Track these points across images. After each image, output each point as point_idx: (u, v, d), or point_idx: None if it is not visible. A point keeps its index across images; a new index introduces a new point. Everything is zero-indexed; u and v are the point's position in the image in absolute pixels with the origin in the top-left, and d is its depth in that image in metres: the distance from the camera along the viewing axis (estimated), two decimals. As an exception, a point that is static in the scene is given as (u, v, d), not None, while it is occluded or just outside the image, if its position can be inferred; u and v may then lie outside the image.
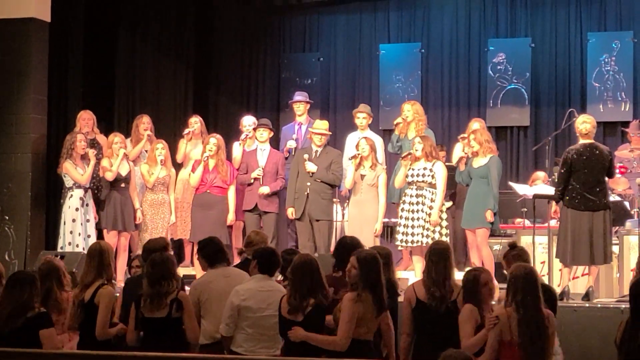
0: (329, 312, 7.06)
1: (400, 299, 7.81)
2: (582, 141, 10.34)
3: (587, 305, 9.84)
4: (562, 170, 10.30)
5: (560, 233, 10.33)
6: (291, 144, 12.78)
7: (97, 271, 7.73)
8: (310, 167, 11.80)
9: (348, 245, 7.81)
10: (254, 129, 12.50)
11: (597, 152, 10.26)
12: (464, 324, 6.81)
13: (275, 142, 13.03)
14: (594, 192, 10.15)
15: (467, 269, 7.80)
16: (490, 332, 6.51)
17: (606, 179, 10.43)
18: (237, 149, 12.66)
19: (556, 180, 10.67)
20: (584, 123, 10.44)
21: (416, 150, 11.25)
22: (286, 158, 12.62)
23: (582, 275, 10.54)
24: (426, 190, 11.16)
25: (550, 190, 10.57)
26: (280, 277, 7.98)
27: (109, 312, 7.59)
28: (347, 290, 7.01)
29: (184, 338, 7.20)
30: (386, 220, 12.36)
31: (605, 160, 10.29)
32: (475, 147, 11.22)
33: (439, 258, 7.20)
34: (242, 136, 12.64)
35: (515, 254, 7.62)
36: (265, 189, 12.08)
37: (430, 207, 11.11)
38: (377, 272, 6.96)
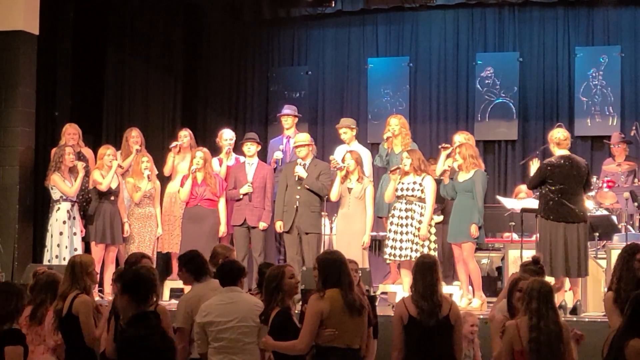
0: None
1: (387, 311, 7.79)
2: (558, 153, 10.40)
3: (574, 319, 9.85)
4: (535, 175, 10.48)
5: (540, 245, 10.40)
6: (278, 154, 12.79)
7: (72, 283, 7.72)
8: (301, 171, 11.78)
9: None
10: (242, 144, 12.48)
11: (574, 164, 10.35)
12: (494, 335, 6.94)
13: (263, 155, 13.01)
14: (570, 203, 10.23)
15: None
16: (501, 342, 6.57)
17: (585, 193, 10.55)
18: (216, 164, 12.61)
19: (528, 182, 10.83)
20: (559, 132, 10.54)
21: (404, 164, 11.25)
22: (274, 169, 12.63)
23: (569, 289, 10.55)
24: (415, 204, 11.15)
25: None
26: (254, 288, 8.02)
27: (90, 318, 7.58)
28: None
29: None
30: (374, 233, 12.35)
31: (583, 172, 10.38)
32: (459, 160, 11.23)
33: (425, 272, 7.16)
34: (225, 150, 12.63)
35: (532, 269, 7.58)
36: (263, 225, 12.10)
37: (420, 222, 11.10)
38: (336, 270, 6.91)
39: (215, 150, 12.96)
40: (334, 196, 11.75)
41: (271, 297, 7.01)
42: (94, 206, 12.16)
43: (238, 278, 7.33)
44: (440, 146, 12.00)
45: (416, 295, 7.10)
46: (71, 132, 12.58)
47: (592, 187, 11.64)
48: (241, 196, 12.13)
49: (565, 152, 10.45)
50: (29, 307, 8.05)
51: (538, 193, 10.72)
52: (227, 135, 12.80)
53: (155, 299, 7.20)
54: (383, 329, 8.29)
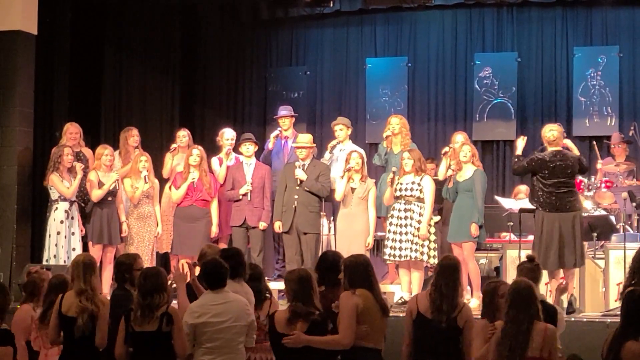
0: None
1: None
2: (550, 149, 10.45)
3: (572, 319, 9.85)
4: (527, 165, 10.54)
5: (535, 240, 10.43)
6: (273, 133, 12.87)
7: (84, 281, 7.70)
8: (300, 174, 11.78)
9: (330, 260, 7.80)
10: (239, 144, 12.48)
11: (564, 158, 10.44)
12: (475, 338, 6.85)
13: (260, 155, 13.01)
14: (562, 193, 10.30)
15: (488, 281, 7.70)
16: (490, 343, 6.54)
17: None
18: (215, 164, 12.62)
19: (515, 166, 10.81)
20: (551, 131, 10.65)
21: (406, 165, 11.24)
22: (270, 151, 12.71)
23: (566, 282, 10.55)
24: (414, 204, 11.15)
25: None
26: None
27: (107, 319, 7.57)
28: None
29: (173, 353, 7.17)
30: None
31: (574, 165, 10.48)
32: (468, 156, 11.27)
33: (450, 273, 7.18)
34: (225, 150, 12.61)
35: (528, 267, 7.57)
36: (263, 225, 12.13)
37: (419, 222, 11.09)
38: (363, 272, 7.01)
39: (214, 149, 12.98)
40: (339, 196, 11.72)
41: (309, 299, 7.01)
42: (91, 206, 12.14)
43: (224, 279, 7.30)
44: (442, 153, 11.98)
45: (437, 295, 7.12)
46: (72, 132, 12.58)
47: (588, 188, 11.77)
48: (240, 197, 12.13)
49: (557, 148, 10.52)
50: (37, 309, 8.06)
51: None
52: (228, 135, 12.78)
53: (166, 299, 7.22)
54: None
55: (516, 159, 10.81)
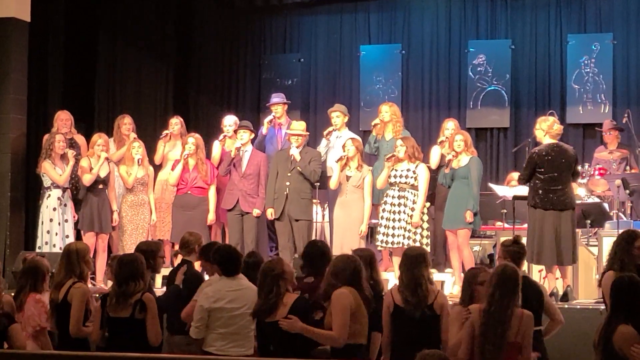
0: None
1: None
2: (547, 142, 10.44)
3: (566, 306, 9.88)
4: (526, 168, 10.49)
5: (528, 233, 10.41)
6: (267, 118, 12.86)
7: (67, 270, 7.75)
8: (295, 152, 11.78)
9: (318, 250, 7.81)
10: (235, 131, 12.47)
11: (563, 152, 10.39)
12: (451, 325, 6.85)
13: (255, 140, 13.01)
14: (559, 191, 10.26)
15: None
16: (463, 326, 6.55)
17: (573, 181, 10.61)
18: (217, 147, 12.64)
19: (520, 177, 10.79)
20: (556, 126, 10.57)
21: (399, 152, 11.25)
22: (264, 136, 12.72)
23: (561, 277, 10.57)
24: (408, 191, 11.15)
25: (530, 191, 10.65)
26: None
27: (82, 309, 7.60)
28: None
29: (146, 339, 7.20)
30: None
31: (571, 160, 10.42)
32: (461, 146, 11.26)
33: (411, 263, 7.17)
34: (221, 136, 12.62)
35: (515, 250, 7.57)
36: (257, 211, 12.08)
37: (412, 209, 11.10)
38: (350, 273, 6.98)
39: (209, 136, 13.01)
40: (333, 184, 11.73)
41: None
42: (82, 194, 12.14)
43: (240, 265, 7.36)
44: (438, 143, 11.99)
45: (402, 287, 7.15)
46: (64, 119, 12.59)
47: (582, 176, 11.76)
48: (232, 154, 12.05)
49: (554, 140, 10.49)
50: (44, 292, 8.08)
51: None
52: (227, 121, 12.79)
53: (142, 286, 7.24)
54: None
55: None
